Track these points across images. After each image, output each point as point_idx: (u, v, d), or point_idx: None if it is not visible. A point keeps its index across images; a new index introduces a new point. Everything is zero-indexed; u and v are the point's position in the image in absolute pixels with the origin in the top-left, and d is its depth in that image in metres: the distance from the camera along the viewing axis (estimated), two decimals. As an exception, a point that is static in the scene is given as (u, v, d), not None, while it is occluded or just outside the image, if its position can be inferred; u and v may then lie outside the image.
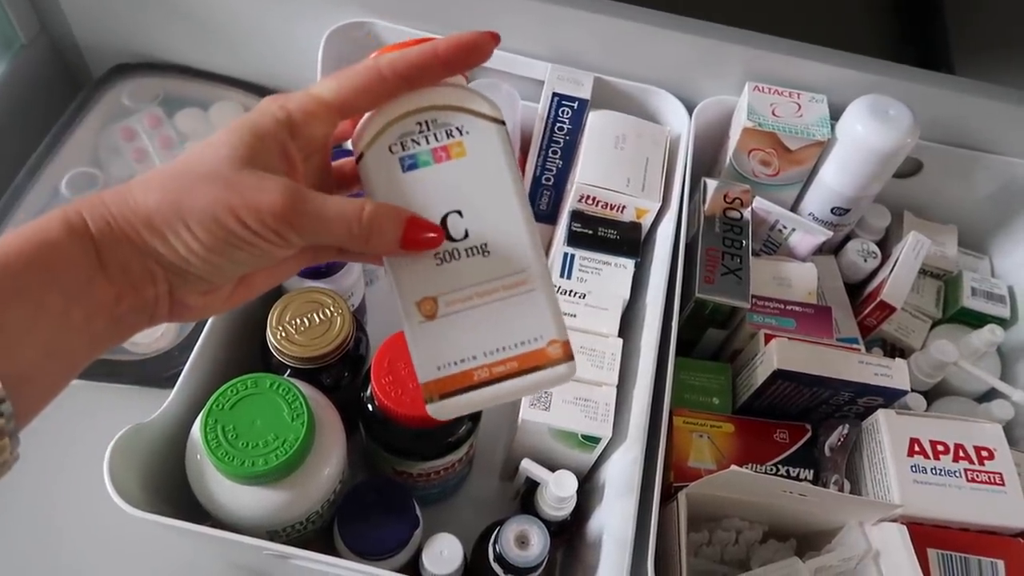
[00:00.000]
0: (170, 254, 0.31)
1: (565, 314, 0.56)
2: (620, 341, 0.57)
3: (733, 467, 0.45)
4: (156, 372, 0.63)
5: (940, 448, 0.51)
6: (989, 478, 0.51)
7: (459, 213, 0.35)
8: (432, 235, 0.34)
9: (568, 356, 0.36)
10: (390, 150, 0.35)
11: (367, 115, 0.36)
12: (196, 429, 0.49)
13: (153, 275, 0.32)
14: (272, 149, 0.32)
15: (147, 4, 0.74)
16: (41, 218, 0.31)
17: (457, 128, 0.35)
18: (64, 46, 0.80)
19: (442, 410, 0.35)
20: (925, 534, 0.49)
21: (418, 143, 0.35)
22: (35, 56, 0.78)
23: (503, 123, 0.36)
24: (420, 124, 0.35)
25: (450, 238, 0.35)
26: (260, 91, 0.78)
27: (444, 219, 0.35)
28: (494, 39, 0.34)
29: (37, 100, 0.78)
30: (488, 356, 0.35)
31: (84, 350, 0.31)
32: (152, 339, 0.64)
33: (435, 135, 0.35)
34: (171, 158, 0.74)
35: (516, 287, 0.36)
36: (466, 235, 0.35)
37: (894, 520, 0.49)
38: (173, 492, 0.50)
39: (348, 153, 0.37)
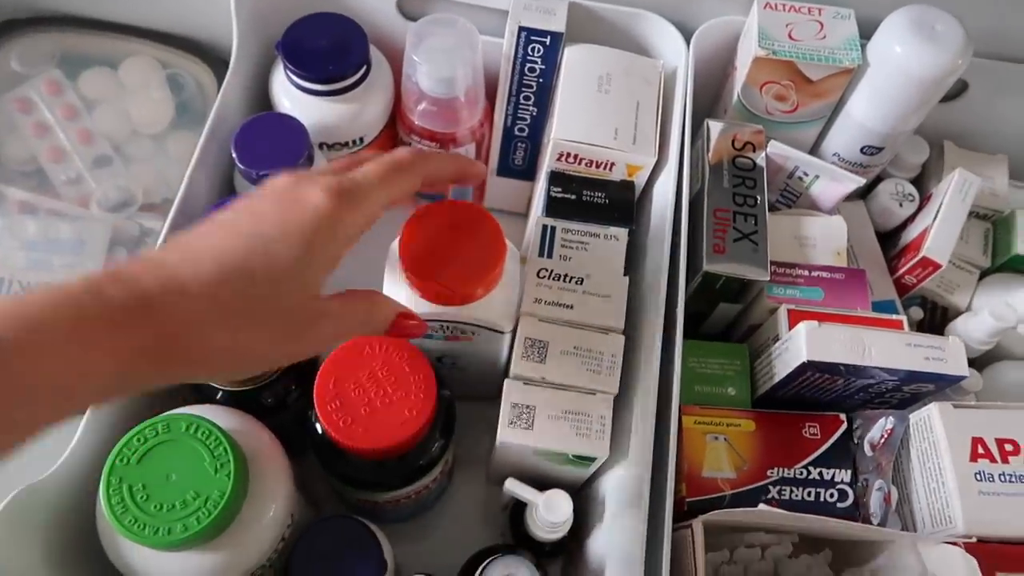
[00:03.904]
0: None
1: (559, 304, 0.47)
2: (622, 339, 0.47)
3: (759, 507, 0.36)
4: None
5: (1009, 448, 0.42)
6: (1070, 481, 0.42)
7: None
8: (415, 323, 0.39)
9: None
10: None
11: None
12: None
13: None
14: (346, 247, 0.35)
15: (29, -56, 0.61)
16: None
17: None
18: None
19: None
20: (994, 554, 0.40)
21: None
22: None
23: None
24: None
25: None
26: (175, 42, 0.66)
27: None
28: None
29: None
30: None
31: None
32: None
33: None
34: (77, 130, 0.63)
35: None
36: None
37: (955, 541, 0.41)
38: (89, 557, 0.42)
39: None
